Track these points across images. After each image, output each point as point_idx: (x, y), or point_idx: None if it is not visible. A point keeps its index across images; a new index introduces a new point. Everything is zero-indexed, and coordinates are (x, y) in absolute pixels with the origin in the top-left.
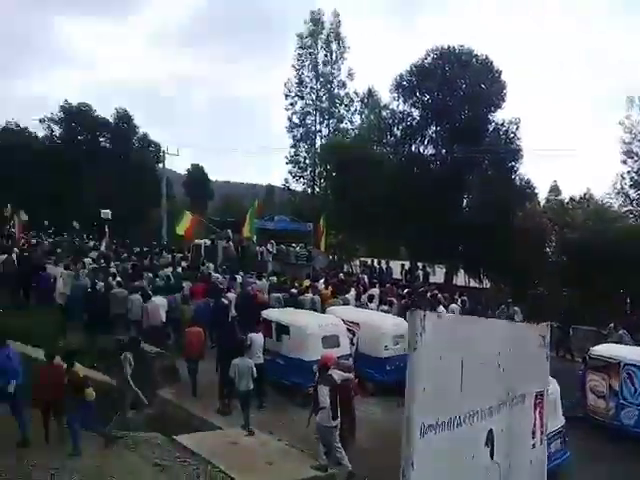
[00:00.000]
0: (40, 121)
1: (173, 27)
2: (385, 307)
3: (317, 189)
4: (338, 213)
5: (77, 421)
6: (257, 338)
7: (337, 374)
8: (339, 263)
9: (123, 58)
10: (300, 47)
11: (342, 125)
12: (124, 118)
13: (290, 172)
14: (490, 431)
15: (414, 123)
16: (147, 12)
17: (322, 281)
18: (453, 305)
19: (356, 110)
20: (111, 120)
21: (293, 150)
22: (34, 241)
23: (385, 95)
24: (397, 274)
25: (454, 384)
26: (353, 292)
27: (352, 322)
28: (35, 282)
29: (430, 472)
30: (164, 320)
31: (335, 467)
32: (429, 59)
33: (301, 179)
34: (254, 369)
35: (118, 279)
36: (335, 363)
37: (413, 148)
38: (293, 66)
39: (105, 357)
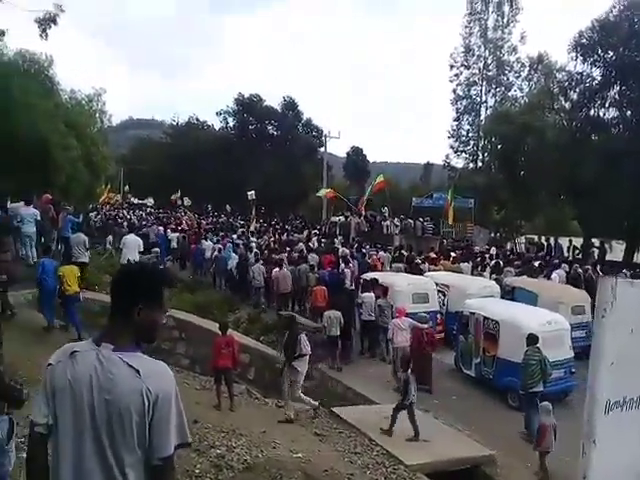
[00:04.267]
0: (217, 114)
1: (331, 13)
2: (496, 276)
3: (480, 164)
4: (502, 188)
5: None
6: (368, 297)
7: (409, 322)
8: (502, 240)
9: (291, 48)
10: (469, 13)
11: (510, 93)
12: (290, 105)
13: (451, 147)
14: None
15: (594, 84)
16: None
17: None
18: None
19: (526, 76)
20: (278, 108)
21: (456, 124)
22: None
23: (558, 58)
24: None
25: None
26: (469, 263)
27: (443, 284)
28: (192, 255)
29: (613, 450)
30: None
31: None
32: (614, 11)
33: (463, 154)
34: (342, 319)
35: (255, 251)
36: (403, 314)
37: (592, 112)
38: (460, 34)
39: (269, 330)
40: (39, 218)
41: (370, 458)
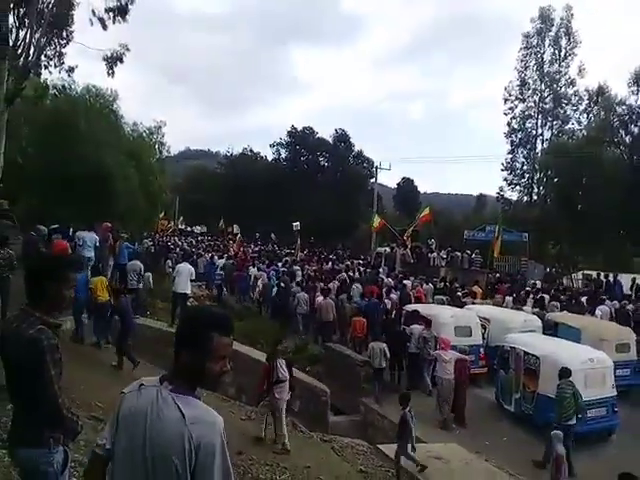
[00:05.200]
0: (270, 146)
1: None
2: (538, 310)
3: (534, 197)
4: (558, 221)
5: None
6: (416, 329)
7: (453, 353)
8: (558, 276)
9: (341, 81)
10: (525, 47)
11: (567, 127)
12: (342, 137)
13: (505, 179)
14: None
15: None
16: (360, 37)
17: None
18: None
19: (584, 110)
20: (330, 140)
21: (510, 156)
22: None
23: (618, 91)
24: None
25: None
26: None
27: (484, 317)
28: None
29: None
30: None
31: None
32: None
33: (517, 187)
34: (386, 350)
35: (299, 280)
36: (449, 346)
37: None
38: (515, 68)
39: (316, 361)
40: (98, 244)
41: None
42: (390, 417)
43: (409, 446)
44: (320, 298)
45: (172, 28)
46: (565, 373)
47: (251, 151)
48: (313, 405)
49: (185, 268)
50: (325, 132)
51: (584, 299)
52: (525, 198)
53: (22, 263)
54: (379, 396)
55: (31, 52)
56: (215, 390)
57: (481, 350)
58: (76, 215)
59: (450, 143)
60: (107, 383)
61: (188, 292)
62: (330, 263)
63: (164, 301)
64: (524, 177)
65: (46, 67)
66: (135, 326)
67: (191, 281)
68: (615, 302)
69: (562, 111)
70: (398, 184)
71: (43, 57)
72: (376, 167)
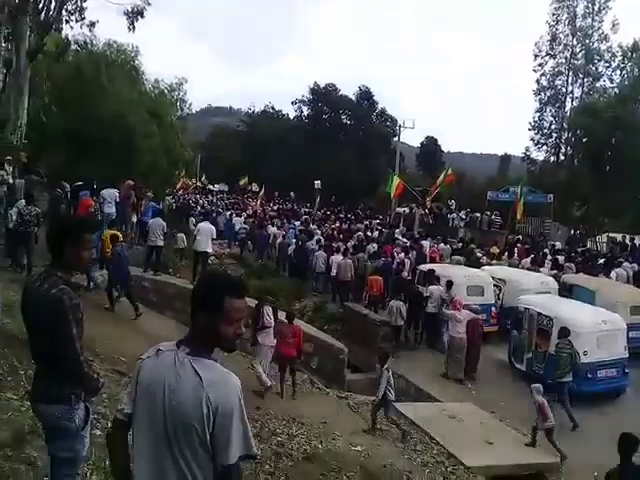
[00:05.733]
0: (292, 103)
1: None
2: (555, 272)
3: (562, 157)
4: (585, 183)
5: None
6: (435, 290)
7: (468, 313)
8: (582, 239)
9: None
10: (557, 0)
11: (599, 84)
12: (365, 95)
13: (532, 139)
14: None
15: None
16: None
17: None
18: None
19: (617, 67)
20: (353, 98)
21: (538, 115)
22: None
23: None
24: None
25: None
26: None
27: (500, 279)
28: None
29: None
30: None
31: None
32: None
33: (544, 147)
34: (403, 309)
35: (318, 238)
36: (462, 306)
37: None
38: (547, 22)
39: (334, 320)
40: (118, 200)
41: (430, 457)
42: (406, 376)
43: (391, 406)
44: (339, 257)
45: None
46: (563, 333)
47: (273, 108)
48: (331, 363)
49: (206, 227)
50: (348, 90)
51: (602, 261)
52: (552, 158)
53: (47, 220)
54: (395, 353)
55: (52, 7)
56: (231, 351)
57: (493, 309)
58: (98, 172)
59: (476, 101)
60: (128, 336)
61: (209, 251)
62: (347, 223)
63: (188, 259)
64: (551, 137)
65: (67, 22)
66: (127, 276)
67: (212, 240)
68: (634, 265)
69: (594, 68)
70: (421, 143)
71: (64, 12)
72: (400, 125)
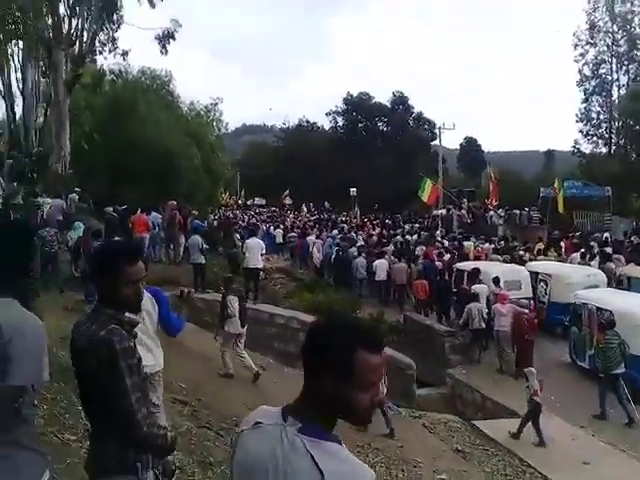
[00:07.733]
0: (326, 114)
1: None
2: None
3: (613, 147)
4: None
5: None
6: (481, 289)
7: (512, 307)
8: None
9: (399, 42)
10: None
11: None
12: (400, 100)
13: (581, 131)
14: None
15: None
16: None
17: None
18: None
19: None
20: (388, 104)
21: (584, 106)
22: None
23: None
24: None
25: None
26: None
27: (545, 273)
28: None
29: None
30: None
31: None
32: None
33: (593, 138)
34: (484, 311)
35: (359, 244)
36: (508, 300)
37: None
38: (583, 10)
39: (395, 331)
40: (159, 223)
41: None
42: (481, 390)
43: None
44: (383, 262)
45: (219, 1)
46: (610, 324)
47: (307, 122)
48: (399, 379)
49: (254, 242)
50: (383, 97)
51: None
52: (603, 150)
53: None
54: (479, 359)
55: (84, 39)
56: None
57: (531, 302)
58: (142, 196)
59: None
60: (185, 360)
61: (260, 266)
62: (384, 228)
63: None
64: (601, 127)
65: (100, 52)
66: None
67: (261, 255)
68: None
69: (638, 53)
70: (461, 144)
71: (97, 43)
72: (439, 127)
